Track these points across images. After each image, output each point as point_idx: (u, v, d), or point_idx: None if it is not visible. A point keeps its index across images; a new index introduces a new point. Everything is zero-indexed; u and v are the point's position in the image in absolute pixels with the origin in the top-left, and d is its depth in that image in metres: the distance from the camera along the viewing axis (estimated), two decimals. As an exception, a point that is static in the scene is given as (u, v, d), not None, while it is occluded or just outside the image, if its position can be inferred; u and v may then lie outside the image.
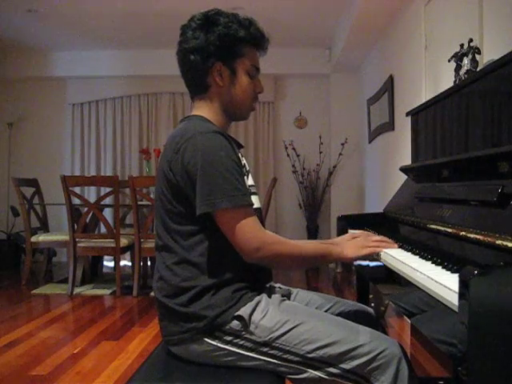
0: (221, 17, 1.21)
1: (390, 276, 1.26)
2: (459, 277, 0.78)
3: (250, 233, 1.10)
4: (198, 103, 1.27)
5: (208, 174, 1.09)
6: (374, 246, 1.28)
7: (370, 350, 1.07)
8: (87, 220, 4.21)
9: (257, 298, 1.16)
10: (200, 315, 1.12)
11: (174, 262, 1.16)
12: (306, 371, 1.10)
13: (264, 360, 1.12)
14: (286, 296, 1.31)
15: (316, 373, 1.10)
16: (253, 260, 1.13)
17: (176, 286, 1.15)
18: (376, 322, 1.38)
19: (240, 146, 1.32)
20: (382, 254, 1.32)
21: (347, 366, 1.08)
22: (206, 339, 1.13)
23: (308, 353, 1.09)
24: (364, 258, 1.28)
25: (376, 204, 4.29)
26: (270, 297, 1.19)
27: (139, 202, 3.96)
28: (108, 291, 4.02)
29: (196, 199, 1.10)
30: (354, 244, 1.26)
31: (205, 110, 1.26)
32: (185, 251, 1.15)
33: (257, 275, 1.23)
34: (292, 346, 1.10)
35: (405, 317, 2.83)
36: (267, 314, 1.13)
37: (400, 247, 1.36)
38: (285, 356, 1.10)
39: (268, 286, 1.29)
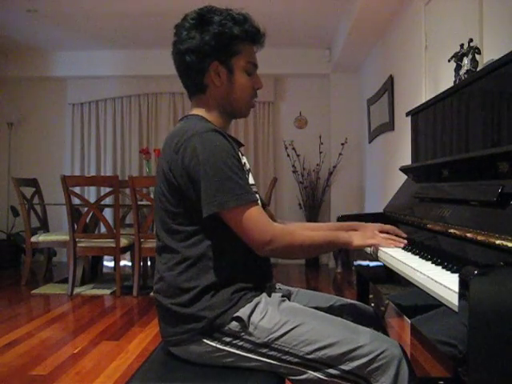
0: (215, 15, 1.19)
1: (390, 276, 1.26)
2: (459, 277, 0.78)
3: (259, 227, 1.11)
4: (196, 103, 1.27)
5: (211, 175, 1.08)
6: (381, 240, 1.29)
7: (369, 351, 1.07)
8: (87, 220, 4.21)
9: (256, 299, 1.16)
10: (199, 316, 1.12)
11: (174, 263, 1.16)
12: (305, 372, 1.10)
13: (263, 361, 1.12)
14: (286, 296, 1.31)
15: (315, 374, 1.09)
16: (265, 253, 1.14)
17: (176, 286, 1.15)
18: (376, 322, 1.38)
19: (240, 145, 1.32)
20: (381, 253, 1.32)
21: (347, 367, 1.07)
22: (205, 340, 1.13)
23: (307, 354, 1.09)
24: (369, 246, 1.32)
25: (376, 204, 4.28)
26: (269, 297, 1.19)
27: (139, 202, 3.96)
28: (108, 291, 4.02)
29: (201, 201, 1.10)
30: (360, 233, 1.29)
31: (203, 109, 1.25)
32: (185, 251, 1.15)
33: (257, 275, 1.22)
34: (291, 347, 1.10)
35: (405, 317, 2.83)
36: (266, 315, 1.13)
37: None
38: (284, 357, 1.10)
39: (268, 285, 1.28)
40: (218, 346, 1.12)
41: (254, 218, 1.10)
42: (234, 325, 1.12)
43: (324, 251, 1.30)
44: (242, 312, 1.12)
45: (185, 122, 1.23)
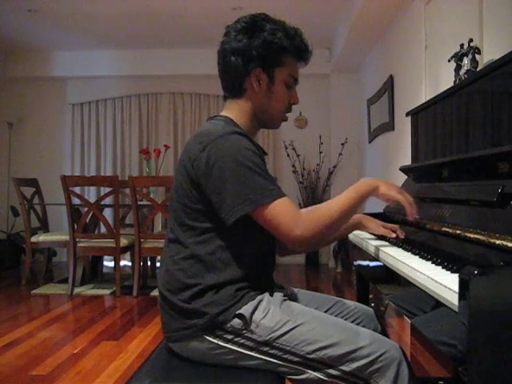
0: (268, 23, 1.21)
1: (390, 276, 1.26)
2: (459, 277, 0.78)
3: (290, 221, 1.08)
4: (230, 105, 1.27)
5: (240, 175, 1.08)
6: (407, 197, 1.25)
7: (370, 353, 1.07)
8: (87, 220, 4.21)
9: (259, 297, 1.16)
10: (201, 312, 1.12)
11: (182, 257, 1.17)
12: (305, 372, 1.10)
13: (264, 359, 1.12)
14: (289, 296, 1.31)
15: (316, 374, 1.09)
16: (302, 245, 1.10)
17: (181, 281, 1.15)
18: (376, 322, 1.38)
19: (264, 153, 1.31)
20: (381, 253, 1.32)
21: (347, 367, 1.08)
22: (207, 337, 1.13)
23: (308, 353, 1.09)
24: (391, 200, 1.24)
25: (376, 204, 4.28)
26: (272, 296, 1.19)
27: (139, 202, 3.96)
28: (108, 291, 4.02)
29: (228, 203, 1.08)
30: (388, 183, 1.24)
31: (234, 112, 1.26)
32: (194, 247, 1.15)
33: (262, 276, 1.23)
34: (292, 347, 1.10)
35: (405, 317, 2.83)
36: (268, 314, 1.13)
37: (400, 247, 1.36)
38: (285, 356, 1.10)
39: (271, 285, 1.28)
40: (220, 343, 1.12)
41: (285, 212, 1.09)
42: (236, 322, 1.12)
43: (356, 209, 1.21)
44: (245, 309, 1.12)
45: (214, 122, 1.23)
